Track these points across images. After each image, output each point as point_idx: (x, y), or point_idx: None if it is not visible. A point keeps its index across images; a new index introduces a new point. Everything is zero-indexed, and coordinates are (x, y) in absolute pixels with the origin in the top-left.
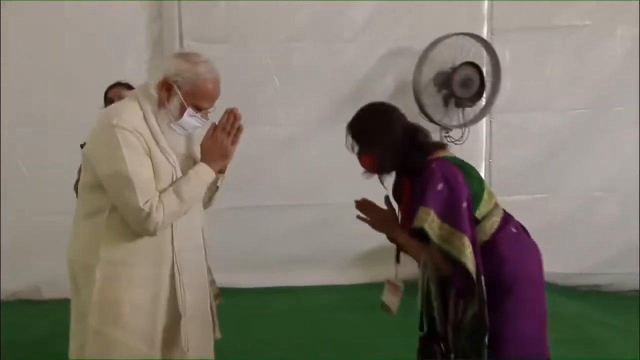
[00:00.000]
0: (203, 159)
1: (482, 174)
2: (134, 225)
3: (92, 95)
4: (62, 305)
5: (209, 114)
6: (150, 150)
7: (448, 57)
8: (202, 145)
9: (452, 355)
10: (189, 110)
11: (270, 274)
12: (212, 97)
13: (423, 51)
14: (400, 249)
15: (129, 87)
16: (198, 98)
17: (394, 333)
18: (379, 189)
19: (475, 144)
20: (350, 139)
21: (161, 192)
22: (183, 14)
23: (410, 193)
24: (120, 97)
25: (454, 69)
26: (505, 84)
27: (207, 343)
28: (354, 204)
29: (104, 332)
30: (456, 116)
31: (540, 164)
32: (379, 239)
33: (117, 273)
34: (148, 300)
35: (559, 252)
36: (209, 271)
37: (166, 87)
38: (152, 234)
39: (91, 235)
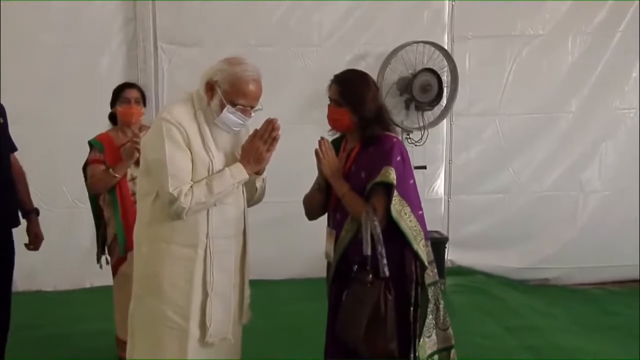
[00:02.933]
0: (240, 160)
1: (443, 175)
2: (165, 207)
3: (69, 92)
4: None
5: (251, 113)
6: (191, 143)
7: (409, 63)
8: (241, 148)
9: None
10: (228, 107)
11: None
12: (247, 94)
13: (386, 57)
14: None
15: (139, 87)
16: (235, 95)
17: None
18: None
19: (435, 145)
20: (336, 91)
21: (196, 182)
22: (157, 16)
23: (355, 156)
24: (135, 98)
25: (414, 75)
26: (465, 89)
27: (228, 323)
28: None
29: (146, 300)
30: (416, 119)
31: (495, 165)
32: None
33: (159, 250)
34: (184, 278)
35: (512, 248)
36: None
37: (209, 87)
38: (179, 217)
39: (142, 214)
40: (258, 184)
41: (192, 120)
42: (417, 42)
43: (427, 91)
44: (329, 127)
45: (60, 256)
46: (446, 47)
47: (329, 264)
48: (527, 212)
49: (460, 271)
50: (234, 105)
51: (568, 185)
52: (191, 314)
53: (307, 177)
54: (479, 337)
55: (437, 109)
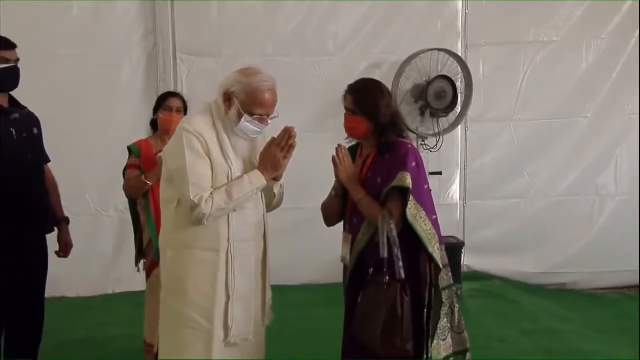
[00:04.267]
0: (258, 167)
1: (458, 180)
2: (187, 213)
3: (91, 102)
4: (59, 303)
5: (268, 120)
6: (210, 152)
7: (423, 70)
8: (259, 155)
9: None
10: (245, 117)
11: None
12: (264, 103)
13: (400, 65)
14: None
15: (181, 97)
16: (252, 105)
17: None
18: None
19: (450, 151)
20: (351, 100)
21: (216, 189)
22: (177, 28)
23: (371, 163)
24: (177, 107)
25: (429, 82)
26: (479, 95)
27: (249, 324)
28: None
29: (172, 304)
30: (431, 125)
31: (511, 170)
32: None
33: (183, 254)
34: (207, 281)
35: (529, 252)
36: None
37: (226, 97)
38: (200, 223)
39: (165, 221)
40: (276, 190)
41: (211, 130)
42: (431, 50)
43: (441, 98)
44: (345, 135)
45: (83, 263)
46: (460, 54)
47: (345, 267)
48: (543, 216)
49: (477, 276)
50: (251, 114)
51: (584, 189)
52: (215, 316)
53: (323, 185)
54: (495, 340)
55: (452, 116)
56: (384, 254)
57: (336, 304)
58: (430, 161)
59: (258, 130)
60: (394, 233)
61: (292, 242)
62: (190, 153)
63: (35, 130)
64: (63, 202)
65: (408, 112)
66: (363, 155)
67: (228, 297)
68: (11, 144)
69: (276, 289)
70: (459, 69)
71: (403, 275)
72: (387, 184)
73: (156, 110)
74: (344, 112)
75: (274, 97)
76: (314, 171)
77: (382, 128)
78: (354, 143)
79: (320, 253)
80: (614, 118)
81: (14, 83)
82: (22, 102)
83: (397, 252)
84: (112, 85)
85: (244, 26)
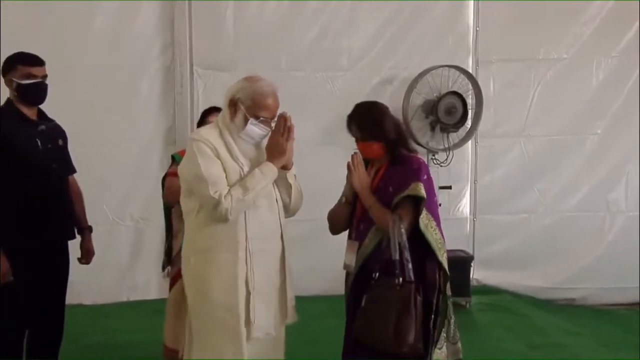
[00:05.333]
0: (267, 159)
1: (468, 194)
2: (211, 212)
3: (110, 114)
4: (76, 310)
5: (272, 124)
6: (220, 156)
7: (434, 86)
8: (265, 148)
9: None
10: (251, 120)
11: None
12: (268, 107)
13: (412, 81)
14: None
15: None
16: (257, 109)
17: None
18: None
19: (461, 166)
20: (355, 129)
21: (231, 186)
22: (194, 43)
23: (384, 173)
24: None
25: (440, 98)
26: (489, 111)
27: (272, 319)
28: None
29: (198, 308)
30: (442, 140)
31: (521, 185)
32: None
33: (204, 259)
34: (229, 281)
35: (538, 267)
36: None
37: (232, 104)
38: (225, 218)
39: (187, 232)
40: (290, 181)
41: (219, 138)
42: (442, 66)
43: (452, 113)
44: (354, 148)
45: (99, 271)
46: (471, 71)
47: (347, 274)
48: (553, 232)
49: (486, 290)
50: (257, 118)
51: (594, 205)
52: (240, 312)
53: (334, 197)
54: (502, 353)
55: (462, 131)
56: (396, 256)
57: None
58: (440, 175)
59: (263, 133)
60: (404, 237)
61: (304, 254)
62: (202, 158)
63: (61, 142)
64: None
65: (419, 127)
66: (374, 167)
67: (249, 293)
68: (36, 153)
69: None
70: (470, 85)
71: (412, 277)
72: (398, 193)
73: (200, 124)
74: (357, 141)
75: (276, 101)
76: (326, 183)
77: (392, 142)
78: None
79: (329, 264)
80: (624, 135)
81: (41, 97)
82: (46, 112)
83: (407, 255)
84: (131, 98)
85: (259, 41)
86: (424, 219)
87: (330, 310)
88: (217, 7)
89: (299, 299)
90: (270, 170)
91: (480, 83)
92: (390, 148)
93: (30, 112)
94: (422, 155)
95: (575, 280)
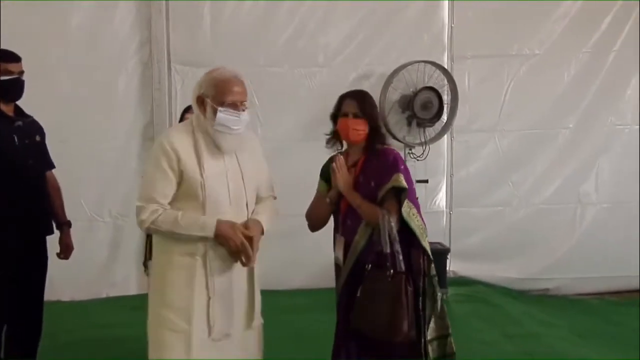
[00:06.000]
0: (219, 225)
1: (444, 188)
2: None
3: (88, 110)
4: (55, 306)
5: (242, 108)
6: (183, 164)
7: (410, 81)
8: (223, 226)
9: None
10: (219, 109)
11: None
12: (230, 89)
13: (388, 76)
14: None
15: None
16: (221, 95)
17: None
18: None
19: (437, 160)
20: (354, 105)
21: (171, 209)
22: (171, 39)
23: (362, 166)
24: None
25: (416, 93)
26: (464, 106)
27: (230, 322)
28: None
29: (154, 307)
30: (418, 135)
31: (495, 179)
32: None
33: (165, 260)
34: (184, 284)
35: (513, 259)
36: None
37: (199, 101)
38: (140, 228)
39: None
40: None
41: (189, 139)
42: (418, 62)
43: (428, 108)
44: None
45: (77, 268)
46: (446, 67)
47: (337, 268)
48: (527, 224)
49: (462, 281)
50: (223, 104)
51: (566, 198)
52: (194, 316)
53: (314, 191)
54: (478, 343)
55: (438, 125)
56: (387, 249)
57: (326, 308)
58: (417, 169)
59: (235, 118)
60: (394, 231)
61: (284, 248)
62: (153, 164)
63: (38, 138)
64: None
65: (395, 122)
66: (350, 161)
67: (209, 298)
68: (13, 150)
69: (268, 293)
70: (445, 81)
71: (403, 267)
72: (380, 186)
73: (180, 121)
74: (342, 118)
75: (240, 84)
76: (305, 178)
77: (376, 132)
78: (339, 151)
79: (311, 259)
80: (594, 129)
81: (18, 94)
82: (25, 109)
83: (398, 247)
84: (109, 94)
85: (237, 37)
86: (406, 207)
87: (314, 303)
88: (195, 3)
89: (283, 293)
90: (210, 232)
91: (455, 78)
92: (372, 134)
93: (7, 109)
94: (399, 149)
95: (548, 271)
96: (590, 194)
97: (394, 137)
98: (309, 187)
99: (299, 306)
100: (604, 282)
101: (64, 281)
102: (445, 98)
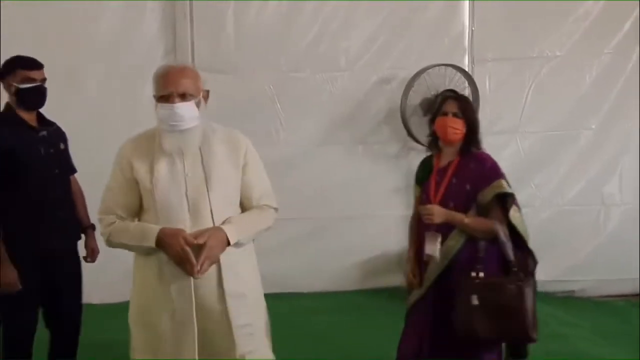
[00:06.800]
0: (159, 232)
1: None
2: None
3: (113, 118)
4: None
5: (175, 100)
6: (136, 171)
7: (432, 85)
8: (164, 233)
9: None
10: (157, 105)
11: (271, 281)
12: (160, 83)
13: (409, 79)
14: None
15: None
16: (156, 90)
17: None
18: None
19: None
20: (456, 105)
21: (126, 221)
22: (195, 46)
23: (455, 168)
24: None
25: (437, 96)
26: (485, 109)
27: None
28: (350, 217)
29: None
30: None
31: (517, 181)
32: (372, 250)
33: (135, 258)
34: (141, 281)
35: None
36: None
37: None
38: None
39: None
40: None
41: (148, 145)
42: (439, 65)
43: None
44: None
45: (106, 271)
46: (467, 69)
47: (426, 264)
48: (550, 225)
49: None
50: (159, 100)
51: (589, 199)
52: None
53: (335, 194)
54: None
55: None
56: (511, 256)
57: (346, 311)
58: None
59: (169, 111)
60: (508, 237)
61: (306, 251)
62: (112, 173)
63: (62, 146)
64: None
65: (417, 125)
66: (442, 163)
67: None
68: (39, 160)
69: (291, 296)
70: (466, 84)
71: (522, 273)
72: (478, 191)
73: None
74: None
75: (170, 74)
76: (327, 182)
77: (471, 135)
78: (429, 154)
79: (333, 262)
80: (617, 129)
81: (40, 101)
82: (49, 116)
83: (516, 252)
84: (135, 101)
85: (259, 43)
86: (513, 211)
87: (334, 306)
88: (218, 11)
89: (305, 296)
90: (150, 237)
91: (476, 81)
92: (469, 136)
93: (29, 117)
94: (420, 151)
95: (573, 273)
96: (614, 195)
97: (416, 140)
98: (331, 190)
99: (320, 309)
100: (629, 284)
101: (93, 285)
102: None
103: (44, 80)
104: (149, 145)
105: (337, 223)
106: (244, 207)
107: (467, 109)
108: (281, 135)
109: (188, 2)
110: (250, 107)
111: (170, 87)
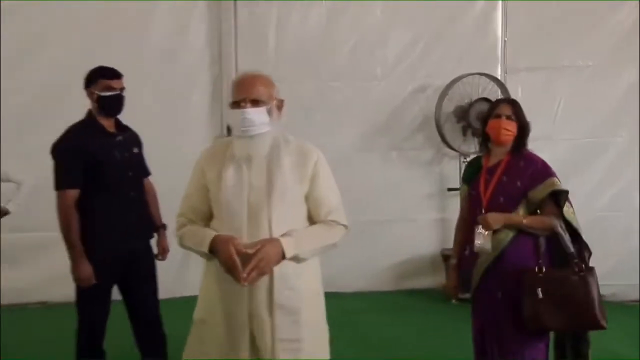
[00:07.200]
0: (214, 238)
1: None
2: None
3: (161, 123)
4: None
5: (246, 105)
6: (207, 177)
7: (465, 93)
8: (217, 240)
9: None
10: (230, 112)
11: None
12: (235, 89)
13: (444, 88)
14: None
15: None
16: (232, 97)
17: (418, 331)
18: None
19: None
20: (509, 109)
21: (195, 224)
22: (239, 56)
23: (506, 167)
24: None
25: (471, 104)
26: None
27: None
28: (386, 221)
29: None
30: (473, 144)
31: None
32: (406, 252)
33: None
34: (205, 288)
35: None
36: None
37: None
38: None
39: None
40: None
41: (222, 151)
42: (473, 74)
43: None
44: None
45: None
46: (500, 79)
47: (477, 256)
48: (583, 231)
49: None
50: (232, 106)
51: (622, 206)
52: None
53: (373, 198)
54: None
55: None
56: (571, 249)
57: (385, 311)
58: None
59: (242, 116)
60: (566, 231)
61: (344, 253)
62: (191, 176)
63: (136, 150)
64: None
65: (451, 132)
66: (491, 162)
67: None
68: (115, 164)
69: (328, 295)
70: (499, 92)
71: (585, 264)
72: (528, 189)
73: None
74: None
75: (244, 81)
76: (364, 186)
77: (523, 136)
78: (478, 154)
79: (368, 263)
80: None
81: (117, 109)
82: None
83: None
84: (184, 108)
85: (300, 54)
86: (566, 207)
87: (370, 306)
88: (261, 23)
89: (342, 296)
90: (205, 243)
91: (509, 90)
92: (520, 137)
93: (108, 124)
94: (453, 157)
95: (605, 278)
96: None
97: (450, 147)
98: (368, 194)
99: (357, 309)
100: None
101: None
102: None
103: (123, 89)
104: (223, 152)
105: (372, 226)
106: (312, 222)
107: (519, 112)
108: (322, 141)
109: (233, 18)
110: (293, 114)
111: (242, 93)
